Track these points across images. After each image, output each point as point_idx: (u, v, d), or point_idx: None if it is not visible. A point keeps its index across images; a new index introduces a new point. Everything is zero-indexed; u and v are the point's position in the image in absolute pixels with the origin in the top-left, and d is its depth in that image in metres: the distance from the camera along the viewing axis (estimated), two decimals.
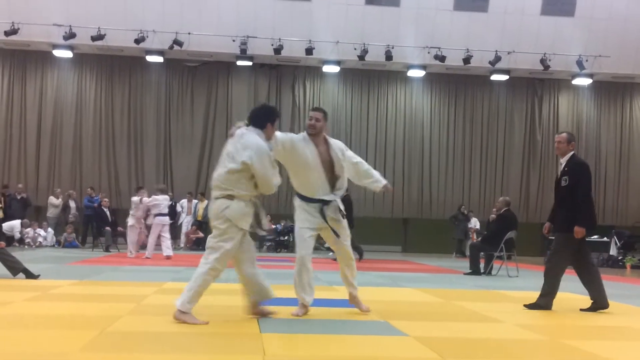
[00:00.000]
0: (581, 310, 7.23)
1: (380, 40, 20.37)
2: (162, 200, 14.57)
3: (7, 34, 19.41)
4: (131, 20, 19.68)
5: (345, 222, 6.18)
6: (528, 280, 11.43)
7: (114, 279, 9.58)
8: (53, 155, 21.61)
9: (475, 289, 9.74)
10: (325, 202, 5.99)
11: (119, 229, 17.93)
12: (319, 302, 6.41)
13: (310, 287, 6.04)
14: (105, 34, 19.56)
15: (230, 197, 5.49)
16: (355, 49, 20.38)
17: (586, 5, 20.65)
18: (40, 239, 18.70)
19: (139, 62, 21.63)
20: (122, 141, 21.87)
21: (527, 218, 21.72)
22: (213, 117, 22.14)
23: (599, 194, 23.12)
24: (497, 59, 20.65)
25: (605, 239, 20.67)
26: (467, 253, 16.00)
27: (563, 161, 7.44)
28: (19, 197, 19.55)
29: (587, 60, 20.86)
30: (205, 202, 18.42)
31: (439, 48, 20.44)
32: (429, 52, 20.63)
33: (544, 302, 7.18)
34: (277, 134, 5.85)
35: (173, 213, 18.38)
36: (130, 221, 14.97)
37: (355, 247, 16.58)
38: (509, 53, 20.72)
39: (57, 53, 21.03)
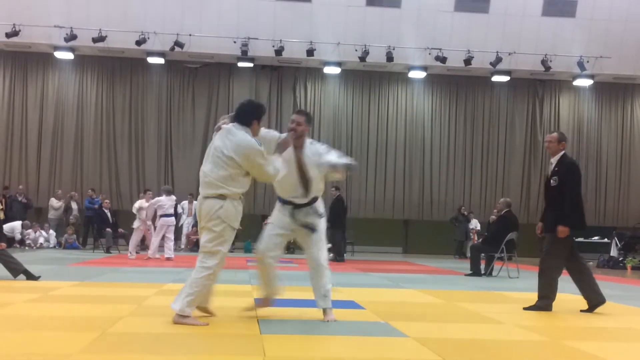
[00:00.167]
0: (581, 311, 7.22)
1: (381, 42, 20.38)
2: (166, 201, 14.61)
3: (8, 35, 19.43)
4: (132, 22, 19.69)
5: (320, 228, 5.92)
6: (529, 282, 11.39)
7: (114, 280, 9.59)
8: (54, 157, 21.62)
9: (476, 290, 9.75)
10: (297, 206, 5.87)
11: (120, 230, 17.94)
12: None
13: (267, 284, 5.98)
14: (106, 36, 19.58)
15: (222, 196, 5.38)
16: (356, 50, 20.38)
17: (587, 6, 20.66)
18: (41, 241, 18.70)
19: (140, 64, 21.65)
20: (123, 143, 21.89)
21: (527, 219, 21.69)
22: (214, 118, 22.10)
23: (599, 195, 23.12)
24: (498, 60, 20.65)
25: (606, 240, 20.69)
26: (468, 254, 16.01)
27: (553, 161, 7.42)
28: (19, 199, 19.57)
29: (588, 61, 20.86)
30: None
31: (440, 49, 20.45)
32: (430, 54, 20.63)
33: (544, 305, 7.17)
34: (262, 130, 5.80)
35: (175, 214, 18.41)
36: (135, 224, 15.14)
37: (338, 251, 16.63)
38: (509, 54, 20.72)
39: (58, 55, 21.04)
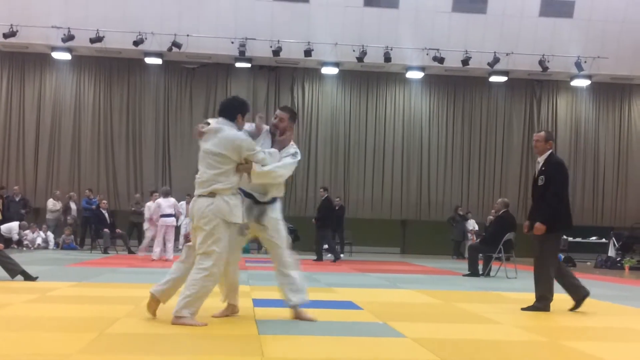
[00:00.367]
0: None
1: (378, 42, 20.39)
2: (163, 202, 14.67)
3: (5, 36, 19.41)
4: (130, 22, 19.68)
5: (276, 226, 5.84)
6: (527, 282, 11.37)
7: (112, 281, 9.58)
8: (51, 157, 21.61)
9: (474, 291, 9.76)
10: (257, 202, 5.80)
11: (118, 230, 17.92)
12: (317, 304, 6.41)
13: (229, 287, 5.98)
14: (103, 36, 19.57)
15: (212, 194, 5.42)
16: (354, 50, 20.39)
17: (585, 7, 20.69)
18: (39, 241, 18.66)
19: (137, 64, 21.64)
20: (121, 143, 21.88)
21: (525, 219, 21.68)
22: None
23: (597, 195, 23.15)
24: (496, 60, 20.68)
25: (603, 240, 20.70)
26: (466, 254, 16.02)
27: (541, 160, 7.42)
28: (17, 199, 19.53)
29: (585, 62, 20.90)
30: None
31: (437, 50, 20.46)
32: (427, 54, 20.65)
33: (542, 305, 7.17)
34: (247, 124, 5.83)
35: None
36: (145, 226, 15.38)
37: (333, 250, 16.72)
38: (507, 54, 20.75)
39: (56, 55, 21.03)
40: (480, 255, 13.10)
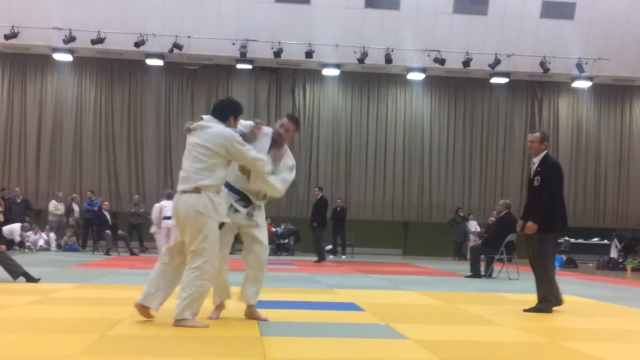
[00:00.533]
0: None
1: (380, 44, 20.39)
2: (166, 204, 14.67)
3: (7, 37, 19.44)
4: (131, 24, 19.69)
5: (264, 223, 5.92)
6: (528, 283, 11.37)
7: (114, 282, 9.58)
8: (53, 159, 21.62)
9: (476, 292, 9.75)
10: (244, 198, 5.75)
11: (119, 232, 17.93)
12: (319, 306, 6.41)
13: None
14: (105, 38, 19.58)
15: (198, 189, 5.35)
16: (355, 52, 20.39)
17: (586, 8, 20.67)
18: (41, 243, 18.66)
19: (138, 66, 21.66)
20: (122, 144, 21.89)
21: None
22: None
23: (599, 196, 23.12)
24: (497, 62, 20.67)
25: (605, 241, 20.68)
26: (468, 256, 16.02)
27: (536, 161, 7.40)
28: (19, 201, 19.54)
29: (586, 63, 20.89)
30: None
31: (438, 51, 20.46)
32: (428, 55, 20.64)
33: (544, 307, 7.16)
34: (242, 122, 5.78)
35: None
36: (152, 228, 15.38)
37: (319, 250, 16.71)
38: (508, 56, 20.73)
39: (57, 57, 21.04)
40: (482, 256, 13.10)
